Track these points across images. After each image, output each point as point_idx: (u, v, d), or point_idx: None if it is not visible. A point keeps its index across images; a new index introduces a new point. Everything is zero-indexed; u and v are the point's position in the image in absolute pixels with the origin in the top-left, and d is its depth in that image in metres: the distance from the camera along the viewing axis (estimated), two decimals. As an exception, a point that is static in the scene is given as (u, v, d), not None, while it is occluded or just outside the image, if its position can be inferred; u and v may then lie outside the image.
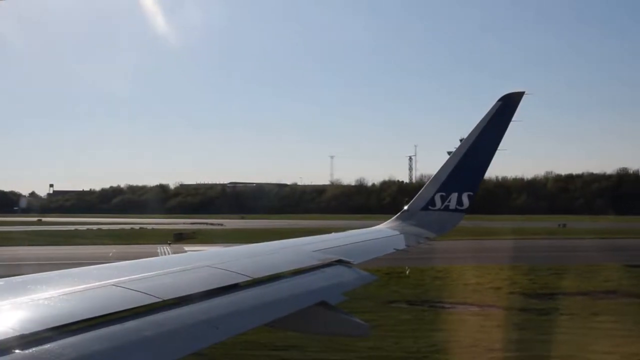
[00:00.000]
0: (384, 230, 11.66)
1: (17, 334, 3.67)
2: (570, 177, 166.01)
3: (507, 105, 11.24)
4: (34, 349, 3.60)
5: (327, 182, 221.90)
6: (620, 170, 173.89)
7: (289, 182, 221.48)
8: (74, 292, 4.65)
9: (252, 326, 5.22)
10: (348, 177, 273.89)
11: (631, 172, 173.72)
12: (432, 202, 11.90)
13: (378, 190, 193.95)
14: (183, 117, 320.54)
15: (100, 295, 4.71)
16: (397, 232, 11.38)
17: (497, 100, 11.39)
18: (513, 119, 11.26)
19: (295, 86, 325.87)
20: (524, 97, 11.38)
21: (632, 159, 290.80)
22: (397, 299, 26.36)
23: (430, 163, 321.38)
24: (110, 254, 46.80)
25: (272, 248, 8.30)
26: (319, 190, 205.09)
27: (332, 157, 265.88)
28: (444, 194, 11.77)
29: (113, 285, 4.95)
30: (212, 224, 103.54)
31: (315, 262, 7.29)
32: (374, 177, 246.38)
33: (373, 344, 17.76)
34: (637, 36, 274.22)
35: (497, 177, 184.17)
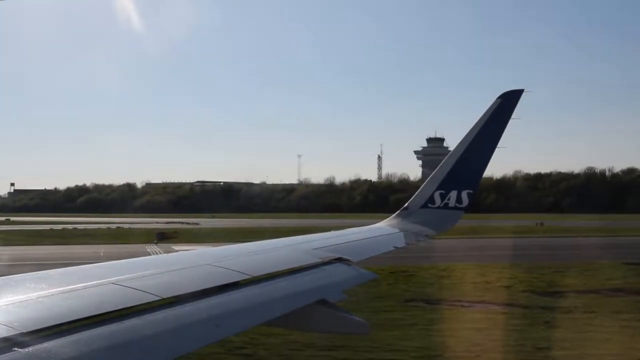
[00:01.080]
0: (383, 228, 11.65)
1: (17, 332, 3.66)
2: (539, 176, 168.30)
3: (506, 103, 11.27)
4: (33, 347, 3.59)
5: (294, 181, 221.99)
6: (587, 169, 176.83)
7: (255, 182, 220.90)
8: (74, 291, 4.62)
9: (252, 324, 5.29)
10: (315, 176, 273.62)
11: (598, 171, 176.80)
12: (431, 199, 11.88)
13: (348, 189, 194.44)
14: (147, 116, 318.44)
15: (99, 294, 4.68)
16: (397, 230, 11.36)
17: (496, 98, 11.37)
18: (512, 116, 11.26)
19: (261, 86, 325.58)
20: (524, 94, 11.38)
21: (598, 158, 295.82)
22: (413, 298, 26.22)
23: (396, 162, 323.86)
24: (101, 254, 46.23)
25: (271, 246, 8.29)
26: (288, 189, 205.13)
27: (299, 156, 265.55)
28: (443, 191, 11.78)
29: (112, 283, 4.92)
30: (187, 224, 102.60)
31: (315, 260, 7.29)
32: (340, 176, 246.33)
33: (419, 343, 17.65)
34: (594, 37, 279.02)
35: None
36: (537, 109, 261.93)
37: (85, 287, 4.74)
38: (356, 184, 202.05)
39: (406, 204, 12.31)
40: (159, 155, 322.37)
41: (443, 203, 11.80)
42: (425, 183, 12.31)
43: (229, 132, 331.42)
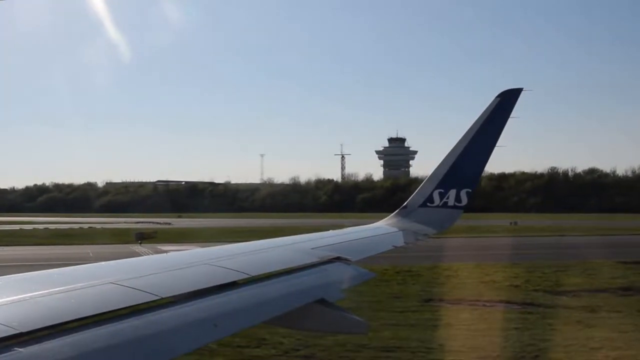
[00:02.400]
0: (382, 228, 11.67)
1: (16, 332, 3.65)
2: (503, 176, 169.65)
3: (505, 102, 11.33)
4: (32, 347, 3.59)
5: (257, 181, 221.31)
6: (550, 169, 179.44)
7: (215, 181, 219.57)
8: (73, 290, 4.63)
9: (251, 324, 5.33)
10: (279, 176, 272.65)
11: (560, 171, 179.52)
12: (430, 198, 11.92)
13: (313, 189, 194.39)
14: (106, 115, 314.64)
15: (98, 293, 4.70)
16: (396, 229, 11.42)
17: (495, 96, 11.44)
18: (511, 115, 11.33)
19: (222, 84, 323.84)
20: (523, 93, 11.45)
21: (562, 158, 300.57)
22: (431, 298, 26.18)
23: (357, 162, 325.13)
24: (90, 254, 45.57)
25: (269, 245, 8.26)
26: (252, 189, 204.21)
27: (262, 155, 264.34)
28: (442, 190, 11.82)
29: (111, 283, 4.93)
30: (159, 223, 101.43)
31: (313, 260, 7.30)
32: (303, 175, 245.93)
33: (472, 343, 17.59)
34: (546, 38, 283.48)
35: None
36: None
37: (84, 287, 4.74)
38: (321, 183, 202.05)
39: (405, 203, 12.36)
40: (118, 154, 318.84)
41: (442, 202, 11.86)
42: (424, 182, 12.37)
43: (188, 131, 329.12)
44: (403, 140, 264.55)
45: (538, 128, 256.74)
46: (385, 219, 12.29)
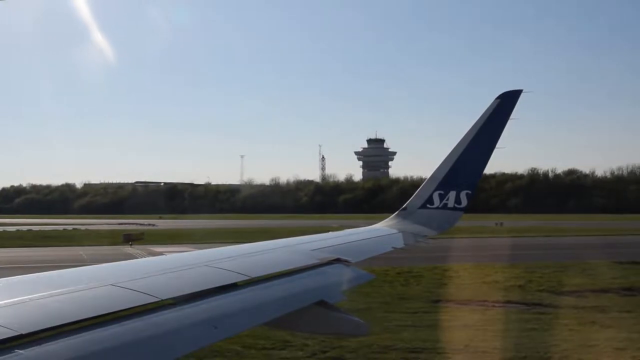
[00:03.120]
0: (381, 229, 11.68)
1: (16, 334, 3.65)
2: (484, 177, 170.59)
3: (505, 103, 11.38)
4: (33, 349, 3.60)
5: (237, 182, 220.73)
6: (530, 170, 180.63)
7: (195, 182, 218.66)
8: (72, 292, 4.64)
9: (250, 326, 5.36)
10: (258, 177, 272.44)
11: (541, 172, 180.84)
12: (430, 200, 11.95)
13: (294, 190, 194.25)
14: (84, 116, 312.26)
15: (98, 295, 4.71)
16: (395, 231, 11.42)
17: (495, 98, 11.49)
18: (511, 117, 11.38)
19: (201, 85, 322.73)
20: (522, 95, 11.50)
21: (542, 159, 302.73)
22: (438, 299, 26.18)
23: (337, 163, 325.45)
24: (84, 256, 45.16)
25: (269, 247, 8.25)
26: (233, 190, 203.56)
27: (242, 156, 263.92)
28: (442, 192, 11.85)
29: (111, 285, 4.93)
30: (142, 224, 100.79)
31: (313, 261, 7.32)
32: (281, 176, 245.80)
33: (495, 344, 17.57)
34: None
35: (411, 177, 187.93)
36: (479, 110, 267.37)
37: (84, 289, 4.76)
38: (302, 184, 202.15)
39: (405, 205, 12.35)
40: (96, 155, 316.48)
41: (442, 203, 11.88)
42: (424, 183, 12.37)
43: (166, 132, 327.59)
44: (382, 141, 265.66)
45: (520, 129, 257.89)
46: (385, 220, 12.29)
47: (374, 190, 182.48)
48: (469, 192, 11.86)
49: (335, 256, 7.71)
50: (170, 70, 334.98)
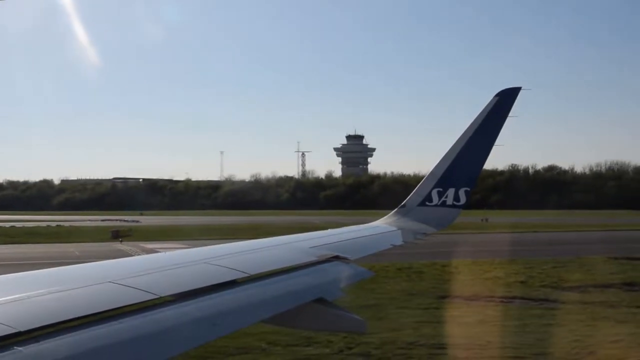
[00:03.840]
0: (380, 226, 11.72)
1: (14, 331, 3.66)
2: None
3: (504, 101, 11.45)
4: (31, 346, 3.61)
5: (216, 178, 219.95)
6: (511, 166, 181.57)
7: (176, 178, 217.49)
8: (71, 289, 4.65)
9: (249, 323, 5.38)
10: (237, 173, 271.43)
11: (521, 168, 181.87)
12: (429, 197, 11.99)
13: (274, 186, 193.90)
14: (60, 112, 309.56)
15: (97, 292, 4.73)
16: (394, 228, 11.44)
17: (493, 96, 11.54)
18: (510, 114, 11.46)
19: (178, 82, 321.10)
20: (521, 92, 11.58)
21: (521, 156, 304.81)
22: (445, 295, 26.18)
23: (316, 159, 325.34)
24: (77, 253, 44.78)
25: (268, 244, 8.31)
26: (213, 187, 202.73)
27: (222, 152, 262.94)
28: (441, 189, 11.90)
29: (110, 282, 4.95)
30: (126, 221, 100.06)
31: (312, 259, 7.33)
32: (260, 173, 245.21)
33: (517, 340, 17.57)
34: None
35: (392, 173, 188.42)
36: (461, 106, 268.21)
37: (83, 286, 4.76)
38: (282, 180, 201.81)
39: (404, 202, 12.37)
40: (73, 152, 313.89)
41: (441, 201, 11.91)
42: (423, 181, 12.40)
43: (143, 128, 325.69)
44: (361, 137, 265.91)
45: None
46: (384, 217, 12.30)
47: (355, 187, 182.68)
48: (468, 189, 11.89)
49: (334, 253, 7.71)
50: (147, 67, 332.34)
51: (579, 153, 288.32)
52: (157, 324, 4.40)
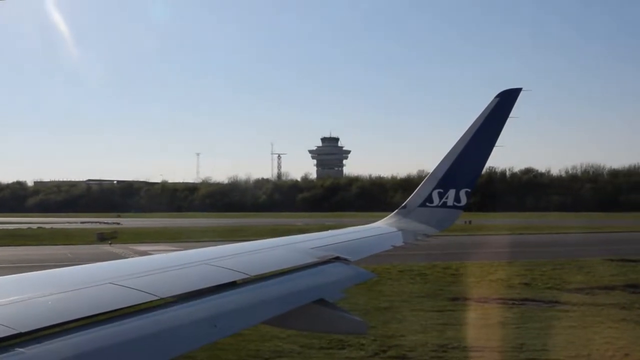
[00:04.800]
0: (381, 227, 11.79)
1: (15, 332, 3.68)
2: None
3: (505, 102, 11.53)
4: (32, 347, 3.62)
5: (192, 180, 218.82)
6: (488, 169, 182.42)
7: (152, 180, 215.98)
8: (72, 290, 4.67)
9: (250, 324, 5.46)
10: (211, 175, 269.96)
11: (499, 171, 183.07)
12: (429, 198, 12.08)
13: (252, 188, 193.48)
14: (33, 113, 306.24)
15: (98, 293, 4.74)
16: (395, 229, 11.56)
17: (494, 96, 11.64)
18: (510, 115, 11.54)
19: (152, 84, 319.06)
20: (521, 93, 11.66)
21: (500, 159, 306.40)
22: (456, 297, 26.17)
23: (290, 161, 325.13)
24: (69, 255, 44.25)
25: (268, 245, 8.33)
26: (190, 188, 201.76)
27: (198, 154, 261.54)
28: (441, 190, 11.99)
29: (110, 283, 4.97)
30: (107, 223, 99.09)
31: (313, 260, 7.39)
32: (235, 174, 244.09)
33: (546, 342, 17.54)
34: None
35: (370, 175, 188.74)
36: (437, 111, 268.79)
37: (83, 287, 4.77)
38: (260, 182, 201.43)
39: (404, 203, 12.46)
40: (45, 153, 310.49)
41: (441, 202, 12.02)
42: (423, 182, 12.45)
43: (116, 130, 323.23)
44: (336, 139, 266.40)
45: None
46: (385, 218, 12.34)
47: (333, 189, 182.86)
48: (469, 190, 12.00)
49: (334, 254, 7.76)
50: (119, 69, 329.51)
51: (554, 156, 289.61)
52: (158, 325, 4.42)
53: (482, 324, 20.37)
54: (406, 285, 29.42)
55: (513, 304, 24.74)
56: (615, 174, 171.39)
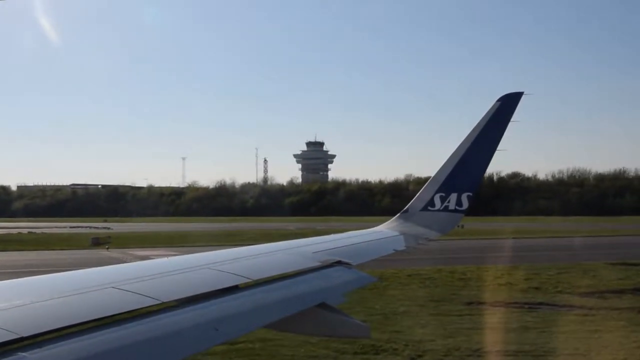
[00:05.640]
0: (383, 231, 11.78)
1: (17, 336, 3.68)
2: (428, 180, 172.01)
3: (506, 106, 11.56)
4: (34, 351, 3.62)
5: (176, 184, 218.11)
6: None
7: (136, 184, 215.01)
8: (74, 294, 4.67)
9: (252, 328, 5.42)
10: (196, 179, 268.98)
11: (486, 175, 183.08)
12: (431, 202, 12.08)
13: (239, 193, 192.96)
14: (14, 115, 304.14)
15: (100, 298, 4.75)
16: (397, 233, 11.53)
17: (495, 100, 11.65)
18: (512, 119, 11.54)
19: (135, 88, 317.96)
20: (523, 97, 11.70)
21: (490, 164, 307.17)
22: (471, 301, 26.14)
23: (275, 166, 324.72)
24: (70, 260, 43.89)
25: (270, 250, 8.31)
26: (177, 193, 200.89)
27: (184, 158, 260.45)
28: (443, 194, 11.99)
29: (112, 287, 4.97)
30: (97, 228, 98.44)
31: (314, 264, 7.39)
32: (219, 179, 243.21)
33: (586, 346, 17.53)
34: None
35: (357, 180, 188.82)
36: (420, 115, 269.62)
37: (85, 291, 4.78)
38: (247, 187, 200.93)
39: (406, 207, 12.44)
40: (28, 157, 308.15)
41: (443, 206, 11.99)
42: (425, 186, 12.45)
43: (99, 133, 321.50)
44: (321, 144, 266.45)
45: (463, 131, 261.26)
46: (386, 222, 12.33)
47: (320, 193, 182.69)
48: (470, 194, 11.95)
49: (336, 258, 7.77)
50: (101, 73, 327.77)
51: (541, 160, 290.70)
52: (159, 329, 4.41)
53: (506, 328, 20.32)
54: (417, 290, 29.40)
55: (529, 308, 24.72)
56: (601, 178, 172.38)
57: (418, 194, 12.35)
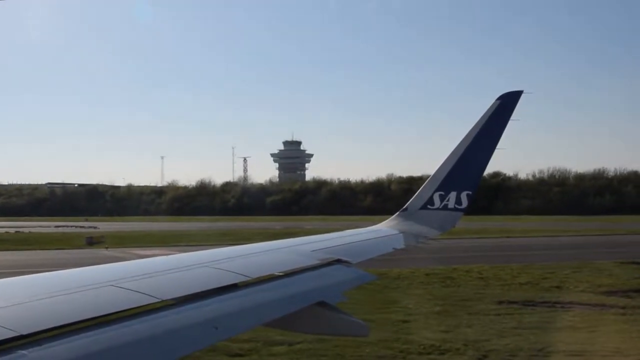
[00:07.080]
0: (382, 230, 11.77)
1: (17, 334, 3.68)
2: (411, 179, 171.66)
3: (506, 104, 11.61)
4: (33, 349, 3.63)
5: (154, 183, 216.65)
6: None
7: (115, 183, 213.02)
8: (73, 292, 4.67)
9: (251, 326, 5.45)
10: (173, 179, 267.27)
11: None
12: (430, 201, 12.12)
13: (220, 192, 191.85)
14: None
15: (99, 296, 4.75)
16: (396, 232, 11.57)
17: (495, 99, 11.67)
18: (512, 117, 11.59)
19: (110, 87, 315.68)
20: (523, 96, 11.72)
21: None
22: (501, 300, 25.94)
23: (252, 165, 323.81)
24: (70, 259, 43.34)
25: (269, 248, 8.33)
26: (157, 192, 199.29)
27: (162, 157, 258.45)
28: (442, 193, 12.02)
29: (111, 285, 4.98)
30: (83, 227, 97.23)
31: (313, 262, 7.44)
32: (196, 178, 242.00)
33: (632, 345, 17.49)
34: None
35: (339, 179, 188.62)
36: (404, 115, 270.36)
37: (84, 289, 4.78)
38: (228, 186, 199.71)
39: (405, 205, 12.44)
40: (2, 155, 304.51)
41: (442, 204, 12.02)
42: (424, 184, 12.44)
43: (77, 132, 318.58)
44: (299, 143, 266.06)
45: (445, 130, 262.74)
46: (386, 221, 12.33)
47: (302, 192, 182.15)
48: (470, 192, 11.97)
49: (335, 257, 7.80)
50: (81, 66, 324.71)
51: (522, 159, 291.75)
52: (159, 327, 4.43)
53: (554, 328, 20.16)
54: (441, 289, 29.20)
55: (562, 307, 24.61)
56: (581, 177, 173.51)
57: (417, 193, 12.34)
